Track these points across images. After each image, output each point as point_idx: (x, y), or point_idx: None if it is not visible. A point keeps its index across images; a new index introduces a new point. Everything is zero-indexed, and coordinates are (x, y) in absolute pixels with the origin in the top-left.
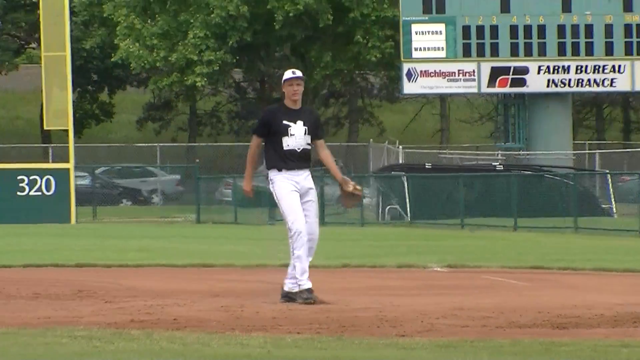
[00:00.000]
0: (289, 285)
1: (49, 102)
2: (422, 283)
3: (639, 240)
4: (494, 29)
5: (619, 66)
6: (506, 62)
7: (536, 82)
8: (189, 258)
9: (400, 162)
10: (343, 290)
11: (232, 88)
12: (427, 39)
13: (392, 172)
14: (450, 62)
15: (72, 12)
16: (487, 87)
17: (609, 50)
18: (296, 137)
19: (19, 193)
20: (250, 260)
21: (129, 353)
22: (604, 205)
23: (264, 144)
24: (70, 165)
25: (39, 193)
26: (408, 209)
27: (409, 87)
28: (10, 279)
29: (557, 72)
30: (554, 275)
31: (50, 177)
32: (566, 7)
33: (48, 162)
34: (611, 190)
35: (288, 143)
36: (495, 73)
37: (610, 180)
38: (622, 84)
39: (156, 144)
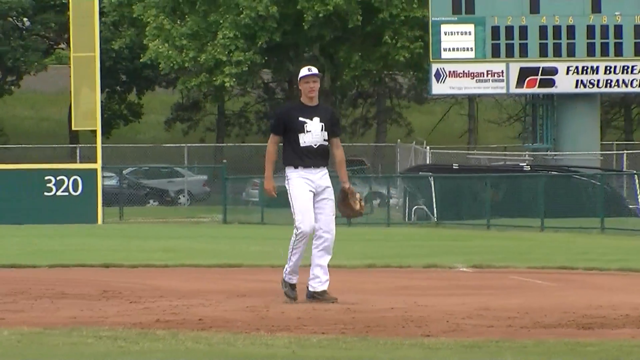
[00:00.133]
0: (313, 286)
1: (78, 102)
2: (448, 283)
3: None
4: (523, 30)
5: None
6: (535, 63)
7: (565, 83)
8: (215, 258)
9: (428, 162)
10: (369, 291)
11: (260, 88)
12: (456, 39)
13: (420, 173)
14: (479, 62)
15: (102, 13)
16: (516, 87)
17: (638, 51)
18: (312, 133)
19: (46, 193)
20: (276, 261)
21: (154, 353)
22: (631, 206)
23: (281, 143)
24: (98, 165)
25: (66, 193)
26: (435, 210)
27: (437, 88)
28: (36, 279)
29: (586, 73)
30: (579, 275)
31: (78, 178)
32: (596, 7)
33: (76, 162)
34: (638, 190)
35: (304, 140)
36: (524, 73)
37: (637, 180)
38: None
39: (184, 145)
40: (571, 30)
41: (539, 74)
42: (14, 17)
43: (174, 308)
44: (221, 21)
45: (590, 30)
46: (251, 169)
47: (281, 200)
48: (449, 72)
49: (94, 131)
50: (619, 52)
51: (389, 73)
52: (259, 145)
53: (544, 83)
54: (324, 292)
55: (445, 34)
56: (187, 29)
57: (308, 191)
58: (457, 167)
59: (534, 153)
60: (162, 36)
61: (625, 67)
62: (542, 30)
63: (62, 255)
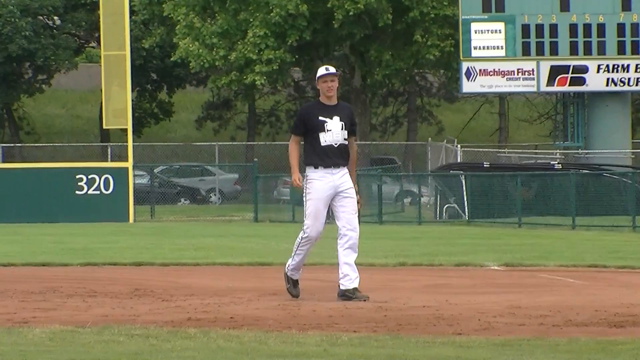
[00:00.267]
0: (344, 284)
1: (108, 101)
2: (479, 281)
3: None
4: (554, 28)
5: None
6: (565, 61)
7: (595, 81)
8: (246, 257)
9: (459, 161)
10: (400, 289)
11: (291, 87)
12: (487, 37)
13: (450, 171)
14: (510, 60)
15: (132, 12)
16: (546, 86)
17: None
18: (333, 132)
19: (77, 192)
20: (308, 259)
21: (186, 351)
22: None
23: (302, 142)
24: (129, 164)
25: (98, 192)
26: (466, 208)
27: (468, 86)
28: (68, 277)
29: (617, 71)
30: (611, 273)
31: (109, 176)
32: (626, 5)
33: (107, 161)
34: None
35: (325, 139)
36: (555, 72)
37: None
38: None
39: (215, 143)
40: (601, 28)
41: (570, 73)
42: (45, 16)
43: (206, 306)
44: (251, 20)
45: (621, 28)
46: (282, 167)
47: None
48: (480, 70)
49: (125, 130)
50: None
51: (420, 71)
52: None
53: (575, 81)
54: (355, 289)
55: (476, 32)
56: (217, 27)
57: (325, 197)
58: (487, 166)
59: (565, 151)
60: (193, 35)
61: None
62: (573, 28)
63: (94, 253)
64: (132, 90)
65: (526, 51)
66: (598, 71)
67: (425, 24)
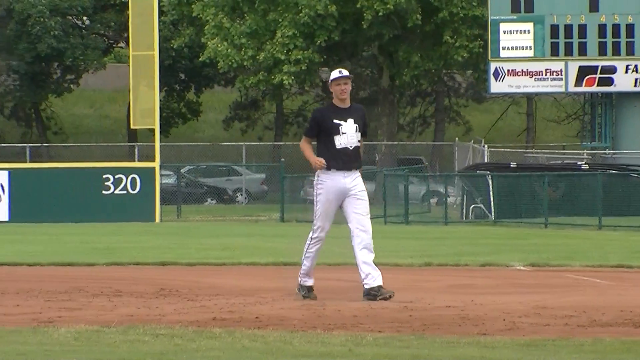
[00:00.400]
0: (368, 283)
1: (136, 101)
2: (504, 282)
3: None
4: (582, 28)
5: None
6: (594, 62)
7: (623, 82)
8: (272, 256)
9: (486, 161)
10: (425, 289)
11: (319, 87)
12: (515, 38)
13: (477, 171)
14: (538, 61)
15: (161, 12)
16: (574, 86)
17: None
18: (348, 135)
19: (104, 192)
20: (332, 259)
21: (211, 351)
22: None
23: (314, 143)
24: (156, 164)
25: (124, 192)
26: (492, 208)
27: (496, 86)
28: (93, 277)
29: None
30: (637, 274)
31: (136, 176)
32: None
33: (134, 161)
34: None
35: (340, 142)
36: (583, 72)
37: None
38: None
39: (242, 143)
40: (630, 29)
41: (598, 73)
42: (74, 16)
43: (231, 306)
44: (280, 20)
45: None
46: (309, 168)
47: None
48: (508, 70)
49: (153, 130)
50: None
51: (448, 72)
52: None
53: (603, 82)
54: (379, 287)
55: (504, 33)
56: (246, 27)
57: (336, 198)
58: (514, 166)
59: (592, 152)
60: (221, 35)
61: None
62: (601, 28)
63: (120, 253)
64: (160, 90)
65: (555, 51)
66: (626, 71)
67: (455, 25)
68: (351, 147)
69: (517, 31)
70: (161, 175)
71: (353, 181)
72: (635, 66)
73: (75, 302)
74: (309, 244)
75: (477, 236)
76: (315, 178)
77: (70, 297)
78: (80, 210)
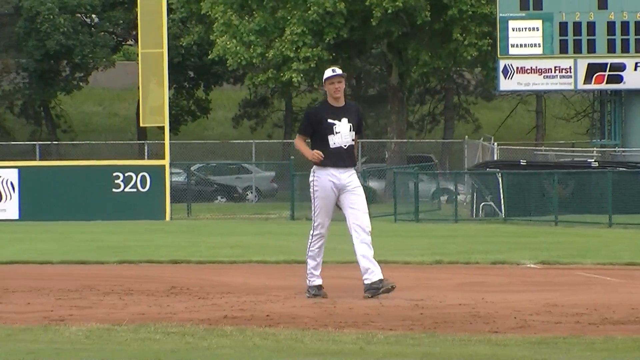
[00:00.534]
0: (368, 278)
1: (146, 99)
2: (515, 279)
3: None
4: (591, 26)
5: None
6: (603, 59)
7: (633, 79)
8: (282, 255)
9: (495, 158)
10: (436, 287)
11: None
12: (524, 35)
13: (487, 169)
14: (547, 58)
15: (170, 10)
16: (584, 83)
17: None
18: (342, 134)
19: (114, 190)
20: (343, 257)
21: (222, 349)
22: None
23: (308, 140)
24: (166, 162)
25: (134, 190)
26: (502, 206)
27: (505, 84)
28: (104, 276)
29: None
30: None
31: (146, 174)
32: None
33: (144, 159)
34: None
35: (334, 141)
36: (592, 70)
37: None
38: None
39: (251, 141)
40: (639, 26)
41: (607, 70)
42: (83, 14)
43: (242, 304)
44: (289, 17)
45: None
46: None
47: None
48: (517, 68)
49: (162, 127)
50: None
51: (457, 69)
52: None
53: (612, 79)
54: (380, 280)
55: (513, 30)
56: (255, 25)
57: (332, 194)
58: (524, 163)
59: (602, 149)
60: (230, 32)
61: None
62: (610, 26)
63: (130, 251)
64: (169, 88)
65: (563, 49)
66: (635, 69)
67: (464, 22)
68: (345, 146)
69: (526, 28)
70: (171, 173)
71: (348, 177)
72: None
73: (86, 301)
74: (311, 242)
75: (488, 234)
76: (311, 175)
77: (81, 295)
78: (91, 208)
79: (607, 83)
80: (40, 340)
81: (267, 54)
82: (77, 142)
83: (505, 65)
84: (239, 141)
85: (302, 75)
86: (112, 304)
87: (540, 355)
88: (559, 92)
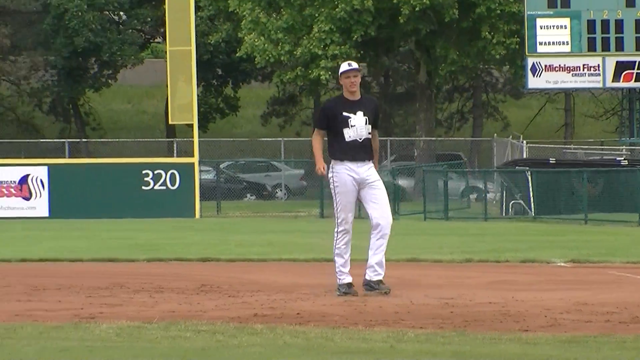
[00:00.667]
0: (369, 274)
1: (174, 96)
2: (545, 278)
3: None
4: (619, 23)
5: None
6: (631, 57)
7: None
8: (312, 252)
9: (524, 157)
10: (466, 285)
11: None
12: (552, 33)
13: (516, 167)
14: (575, 56)
15: (198, 7)
16: (612, 81)
17: None
18: (357, 127)
19: (144, 187)
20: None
21: (252, 347)
22: None
23: (326, 139)
24: (195, 159)
25: (164, 187)
26: (532, 204)
27: (533, 82)
28: (134, 273)
29: None
30: None
31: (175, 172)
32: None
33: (173, 156)
34: None
35: (350, 134)
36: (620, 67)
37: None
38: None
39: (280, 139)
40: None
41: (635, 68)
42: (111, 11)
43: (272, 302)
44: (317, 15)
45: None
46: None
47: None
48: (545, 66)
49: (191, 125)
50: None
51: (485, 67)
52: None
53: None
54: (379, 282)
55: (541, 28)
56: (282, 22)
57: (352, 189)
58: (553, 162)
59: (631, 147)
60: (258, 30)
61: None
62: (638, 24)
63: (160, 249)
64: (198, 86)
65: (592, 47)
66: None
67: (492, 20)
68: (360, 139)
69: (553, 26)
70: (200, 171)
71: (366, 171)
72: None
73: (117, 298)
74: (337, 239)
75: (517, 232)
76: (329, 172)
77: (112, 293)
78: (120, 206)
79: (635, 81)
80: (71, 338)
81: (295, 52)
82: (106, 139)
83: (533, 63)
84: (267, 139)
85: (330, 73)
86: (142, 302)
87: (571, 353)
88: (588, 90)
